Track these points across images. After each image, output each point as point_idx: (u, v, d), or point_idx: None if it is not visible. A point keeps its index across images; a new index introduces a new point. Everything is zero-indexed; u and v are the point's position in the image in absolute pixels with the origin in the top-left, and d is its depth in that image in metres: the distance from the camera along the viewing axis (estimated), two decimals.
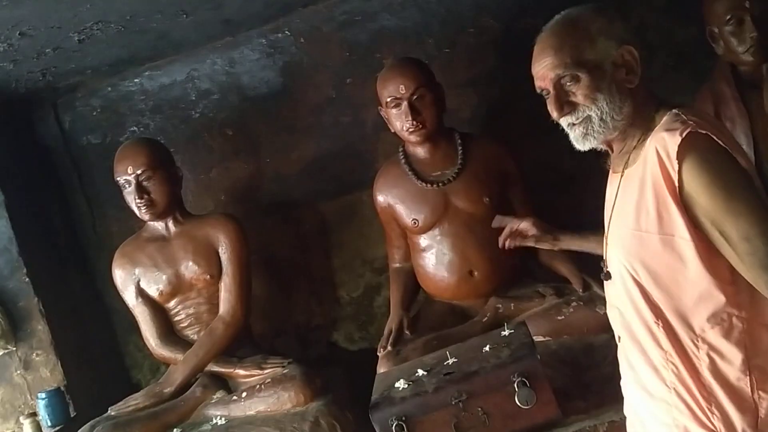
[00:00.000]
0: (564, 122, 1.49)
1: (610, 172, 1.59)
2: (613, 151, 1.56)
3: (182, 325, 2.72)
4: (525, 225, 1.95)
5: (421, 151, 2.59)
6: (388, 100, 2.49)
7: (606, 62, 1.44)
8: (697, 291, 1.38)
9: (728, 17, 2.26)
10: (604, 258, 1.58)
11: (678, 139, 1.34)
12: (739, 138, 2.27)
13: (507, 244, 1.99)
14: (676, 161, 1.34)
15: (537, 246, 1.97)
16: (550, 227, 1.94)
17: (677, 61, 2.80)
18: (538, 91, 1.52)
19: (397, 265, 2.73)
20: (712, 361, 1.38)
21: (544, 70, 1.47)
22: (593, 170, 1.73)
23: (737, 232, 1.31)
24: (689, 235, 1.36)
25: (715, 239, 1.35)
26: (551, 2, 2.74)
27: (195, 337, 2.69)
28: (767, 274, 1.31)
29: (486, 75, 2.92)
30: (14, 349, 2.79)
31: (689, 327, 1.40)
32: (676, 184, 1.35)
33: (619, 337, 1.55)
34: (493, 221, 2.04)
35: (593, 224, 1.75)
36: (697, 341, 1.39)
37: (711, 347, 1.38)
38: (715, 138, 1.34)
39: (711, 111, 2.33)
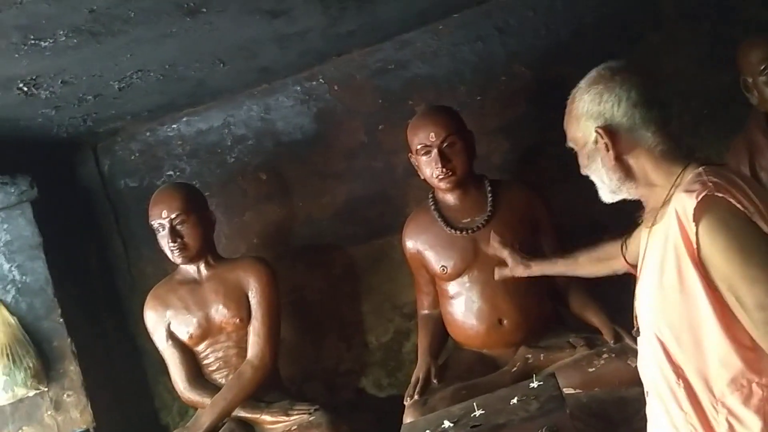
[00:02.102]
0: None
1: (642, 226, 1.57)
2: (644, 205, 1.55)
3: (211, 368, 2.73)
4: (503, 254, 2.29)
5: (450, 198, 2.59)
6: (419, 147, 2.51)
7: (590, 139, 1.50)
8: (718, 354, 1.36)
9: (762, 67, 2.25)
10: (635, 313, 1.56)
11: (694, 202, 1.34)
12: None
13: (496, 276, 2.37)
14: (693, 223, 1.33)
15: (514, 275, 2.30)
16: (523, 256, 2.27)
17: (711, 111, 2.78)
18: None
19: (426, 311, 2.71)
20: (730, 426, 1.35)
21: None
22: (624, 217, 1.72)
23: (752, 300, 1.29)
24: (707, 298, 1.34)
25: (731, 304, 1.32)
26: (581, 50, 2.78)
27: (223, 380, 2.69)
28: None
29: (517, 121, 2.93)
30: (46, 389, 2.82)
31: (710, 390, 1.37)
32: (695, 246, 1.34)
33: (648, 392, 1.52)
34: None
35: (625, 273, 1.74)
36: (717, 405, 1.36)
37: (730, 412, 1.35)
38: (733, 201, 1.33)
39: (746, 161, 2.31)
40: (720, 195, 1.33)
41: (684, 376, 1.39)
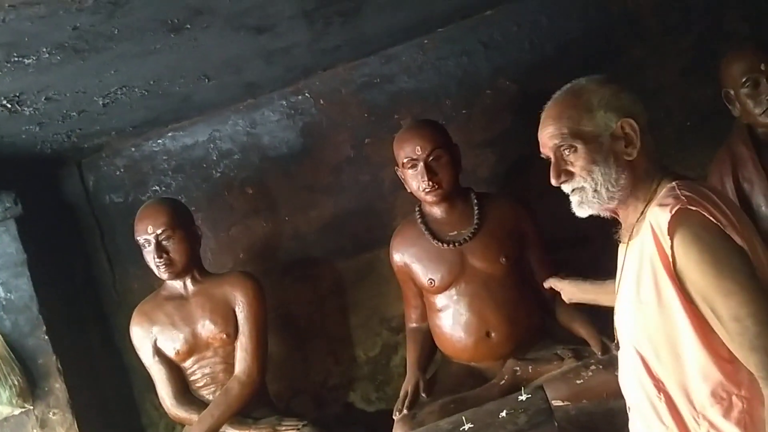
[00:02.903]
0: (565, 189, 1.53)
1: (620, 242, 1.58)
2: (620, 220, 1.56)
3: (198, 384, 2.71)
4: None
5: (437, 211, 2.60)
6: (405, 160, 2.51)
7: (604, 134, 1.46)
8: (697, 367, 1.36)
9: (744, 80, 2.28)
10: (615, 327, 1.57)
11: (668, 216, 1.35)
12: (758, 199, 2.26)
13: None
14: (668, 237, 1.34)
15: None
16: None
17: (694, 123, 2.81)
18: (543, 156, 1.56)
19: (414, 325, 2.71)
20: None
21: (545, 138, 1.52)
22: (610, 230, 1.73)
23: (727, 312, 1.31)
24: (684, 311, 1.35)
25: (707, 316, 1.34)
26: (565, 64, 2.80)
27: (211, 396, 2.68)
28: (756, 355, 1.29)
29: (503, 135, 2.95)
30: (31, 407, 2.80)
31: (690, 403, 1.38)
32: (670, 259, 1.35)
33: (629, 407, 1.53)
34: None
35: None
36: (698, 418, 1.37)
37: (711, 425, 1.36)
38: (706, 214, 1.34)
39: (729, 172, 2.32)
40: (693, 208, 1.34)
41: (664, 389, 1.40)
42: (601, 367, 2.30)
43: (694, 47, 2.80)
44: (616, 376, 2.18)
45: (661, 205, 1.38)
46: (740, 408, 1.34)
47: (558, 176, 1.50)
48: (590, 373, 2.30)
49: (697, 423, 1.37)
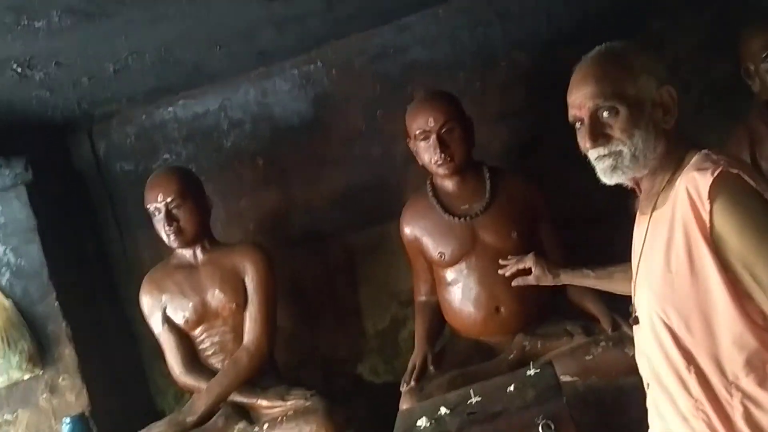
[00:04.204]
0: (593, 154, 1.46)
1: (638, 214, 1.55)
2: (640, 192, 1.52)
3: (207, 353, 2.72)
4: (528, 263, 2.07)
5: (449, 185, 2.57)
6: (417, 132, 2.49)
7: (646, 100, 1.42)
8: (731, 336, 1.33)
9: (764, 54, 2.24)
10: (633, 302, 1.54)
11: (709, 179, 1.31)
12: None
13: (513, 283, 2.19)
14: (708, 201, 1.31)
15: (539, 283, 2.11)
16: (550, 265, 2.09)
17: (712, 99, 2.76)
18: (571, 120, 1.50)
19: (423, 298, 2.70)
20: (746, 409, 1.33)
21: (582, 99, 1.45)
22: (624, 206, 1.70)
23: None
24: (720, 278, 1.32)
25: (746, 283, 1.31)
26: (584, 37, 2.75)
27: (219, 365, 2.68)
28: None
29: (517, 109, 2.91)
30: (41, 373, 2.82)
31: (722, 373, 1.35)
32: (707, 224, 1.31)
33: (648, 384, 1.50)
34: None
35: (621, 260, 1.72)
36: (731, 388, 1.34)
37: (745, 395, 1.33)
38: (746, 178, 1.32)
39: (746, 150, 2.29)
40: (734, 171, 1.31)
41: (695, 361, 1.37)
42: (611, 343, 2.30)
43: (714, 21, 2.74)
44: (626, 353, 2.19)
45: (699, 169, 1.35)
46: None
47: (596, 138, 1.43)
48: (600, 350, 2.30)
49: (730, 394, 1.34)
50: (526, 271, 2.18)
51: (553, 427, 1.85)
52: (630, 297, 1.59)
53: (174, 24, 2.13)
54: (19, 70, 2.18)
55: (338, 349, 3.11)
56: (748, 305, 1.32)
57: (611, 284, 1.92)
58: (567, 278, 2.07)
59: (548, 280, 2.10)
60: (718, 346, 1.35)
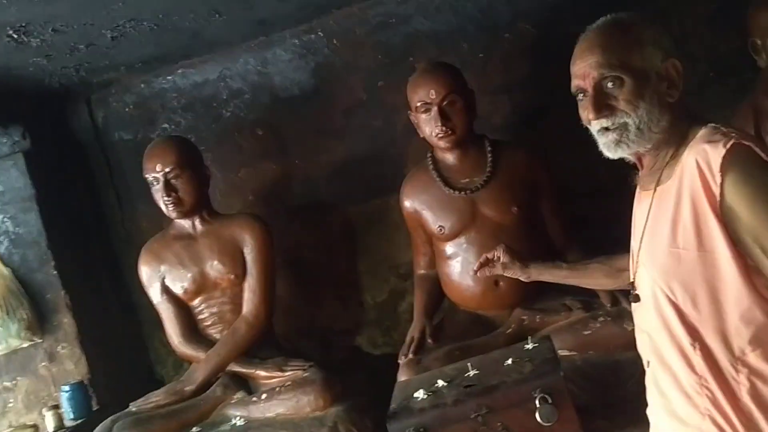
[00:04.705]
0: (596, 126, 1.42)
1: (639, 190, 1.53)
2: (642, 167, 1.50)
3: (206, 323, 2.73)
4: (497, 252, 1.93)
5: (449, 158, 2.55)
6: (418, 104, 2.46)
7: (652, 72, 1.39)
8: (738, 311, 1.32)
9: None
10: (633, 280, 1.52)
11: (722, 151, 1.29)
12: None
13: (479, 273, 1.98)
14: (719, 174, 1.28)
15: (506, 274, 1.94)
16: (520, 256, 1.91)
17: (719, 73, 2.72)
18: (574, 90, 1.47)
19: (423, 271, 2.70)
20: (752, 385, 1.32)
21: (587, 68, 1.41)
22: (627, 181, 1.68)
23: None
24: (729, 251, 1.30)
25: (755, 256, 1.29)
26: (590, 9, 2.70)
27: (218, 336, 2.69)
28: None
29: (520, 81, 2.87)
30: (40, 341, 2.83)
31: (729, 349, 1.33)
32: (717, 197, 1.29)
33: (648, 362, 1.49)
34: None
35: (625, 236, 1.70)
36: (737, 364, 1.33)
37: (752, 370, 1.32)
38: (758, 151, 1.30)
39: (751, 126, 2.26)
40: (746, 143, 1.29)
41: (700, 337, 1.35)
42: (609, 319, 2.30)
43: None
44: (625, 328, 2.18)
45: (710, 141, 1.32)
46: None
47: (600, 109, 1.39)
48: (598, 325, 2.30)
49: (736, 369, 1.33)
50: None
51: (549, 400, 1.85)
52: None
53: None
54: (15, 36, 2.15)
55: (337, 321, 3.11)
56: (757, 279, 1.31)
57: (584, 278, 1.86)
58: (536, 272, 1.89)
59: (516, 271, 1.91)
60: (725, 322, 1.33)
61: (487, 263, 1.96)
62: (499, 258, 1.93)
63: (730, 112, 2.43)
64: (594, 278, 1.84)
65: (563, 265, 1.89)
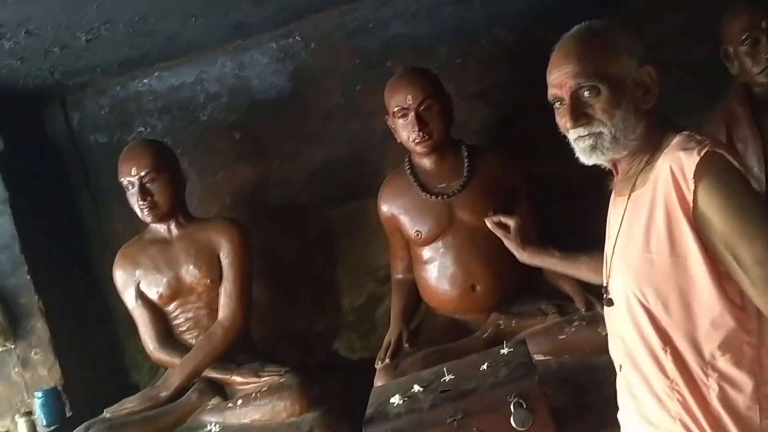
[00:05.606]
0: (573, 134, 1.45)
1: (614, 195, 1.55)
2: (617, 173, 1.52)
3: (181, 329, 2.71)
4: (510, 219, 1.93)
5: (427, 162, 2.56)
6: (396, 109, 2.47)
7: (627, 79, 1.40)
8: (709, 316, 1.34)
9: (744, 37, 2.23)
10: (606, 284, 1.54)
11: (696, 158, 1.31)
12: (751, 160, 2.23)
13: (486, 221, 1.98)
14: (693, 181, 1.30)
15: (506, 244, 1.94)
16: (525, 235, 1.91)
17: (692, 79, 2.76)
18: (551, 99, 1.48)
19: (400, 276, 2.70)
20: (722, 389, 1.34)
21: (563, 78, 1.42)
22: (602, 185, 1.70)
23: (751, 257, 1.28)
24: (702, 257, 1.32)
25: (727, 263, 1.31)
26: (565, 14, 2.73)
27: (194, 341, 2.67)
28: None
29: (497, 86, 2.89)
30: (13, 346, 2.80)
31: (699, 354, 1.36)
32: (691, 204, 1.31)
33: (621, 366, 1.51)
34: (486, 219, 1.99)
35: (599, 238, 1.72)
36: (707, 369, 1.35)
37: (721, 375, 1.34)
38: (731, 159, 1.32)
39: (724, 132, 2.29)
40: (719, 151, 1.32)
41: (671, 342, 1.37)
42: (584, 323, 2.31)
43: (695, 2, 2.73)
44: (599, 332, 2.20)
45: (684, 149, 1.34)
46: (751, 356, 1.33)
47: (577, 118, 1.41)
48: (573, 329, 2.31)
49: (706, 374, 1.35)
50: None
51: (524, 404, 1.86)
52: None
53: None
54: None
55: (314, 325, 3.10)
56: (728, 285, 1.33)
57: (572, 269, 1.87)
58: (530, 254, 1.91)
59: (514, 246, 1.93)
60: (695, 326, 1.35)
61: (499, 224, 1.95)
62: (507, 226, 1.92)
63: (704, 117, 2.46)
64: (580, 271, 1.84)
65: (555, 253, 1.88)
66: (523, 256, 1.91)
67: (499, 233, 1.93)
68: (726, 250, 1.30)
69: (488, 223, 1.94)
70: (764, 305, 1.29)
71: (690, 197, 1.31)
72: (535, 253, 1.90)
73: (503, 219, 1.96)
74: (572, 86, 1.41)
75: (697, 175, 1.30)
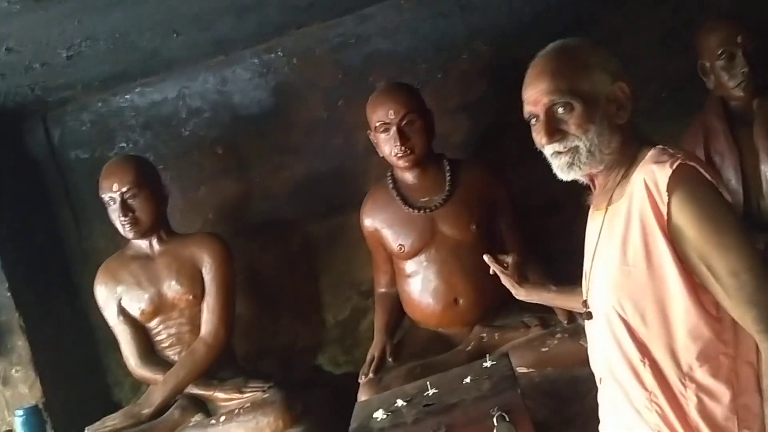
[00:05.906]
0: (549, 150, 1.46)
1: (592, 209, 1.57)
2: (595, 187, 1.54)
3: (163, 345, 2.69)
4: (507, 258, 1.90)
5: (409, 177, 2.58)
6: (377, 124, 2.48)
7: (600, 95, 1.43)
8: (686, 327, 1.36)
9: (720, 52, 2.27)
10: (585, 298, 1.55)
11: (668, 171, 1.33)
12: (728, 172, 2.27)
13: (486, 258, 1.92)
14: (666, 193, 1.32)
15: (503, 279, 1.90)
16: (522, 273, 1.88)
17: (669, 93, 2.79)
18: (526, 116, 1.50)
19: (383, 290, 2.71)
20: (700, 400, 1.36)
21: (537, 95, 1.45)
22: (581, 197, 1.71)
23: (725, 267, 1.30)
24: (677, 269, 1.34)
25: (701, 274, 1.33)
26: (544, 31, 2.77)
27: (176, 357, 2.66)
28: (755, 310, 1.29)
29: (478, 100, 2.91)
30: None
31: (677, 365, 1.37)
32: (665, 216, 1.33)
33: (601, 379, 1.52)
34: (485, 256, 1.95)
35: (579, 250, 1.74)
36: (685, 380, 1.36)
37: (699, 386, 1.36)
38: (703, 172, 1.34)
39: (701, 145, 2.33)
40: (692, 164, 1.34)
41: (649, 354, 1.38)
42: (566, 335, 2.33)
43: (671, 17, 2.77)
44: (581, 344, 2.19)
45: (657, 162, 1.36)
46: (727, 366, 1.35)
47: (552, 134, 1.43)
48: (556, 342, 2.32)
49: (684, 385, 1.36)
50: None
51: (507, 417, 1.86)
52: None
53: (128, 10, 2.09)
54: None
55: (298, 339, 3.09)
56: (703, 296, 1.35)
57: (569, 301, 1.84)
58: (528, 291, 1.87)
59: (512, 283, 1.88)
60: (673, 338, 1.37)
61: (496, 261, 1.92)
62: (506, 265, 1.90)
63: (682, 130, 2.50)
64: (577, 302, 1.79)
65: (552, 288, 1.89)
66: (520, 293, 1.89)
67: (496, 269, 1.91)
68: (700, 261, 1.32)
69: (486, 259, 1.93)
70: (739, 314, 1.31)
71: (664, 210, 1.33)
72: (533, 290, 1.89)
73: (500, 257, 1.96)
74: (546, 103, 1.43)
75: (670, 188, 1.32)
